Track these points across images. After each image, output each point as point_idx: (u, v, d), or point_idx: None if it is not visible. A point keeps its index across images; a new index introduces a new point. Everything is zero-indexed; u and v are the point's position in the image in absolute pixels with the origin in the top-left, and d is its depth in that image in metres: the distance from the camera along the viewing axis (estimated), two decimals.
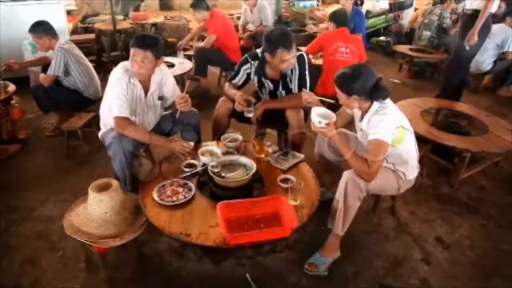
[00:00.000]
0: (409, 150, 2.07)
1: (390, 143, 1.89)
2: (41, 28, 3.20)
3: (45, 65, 3.52)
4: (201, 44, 4.46)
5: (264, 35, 2.46)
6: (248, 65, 2.65)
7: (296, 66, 2.53)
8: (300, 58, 2.53)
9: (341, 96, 1.99)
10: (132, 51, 2.20)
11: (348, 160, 1.95)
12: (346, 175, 1.96)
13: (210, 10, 4.40)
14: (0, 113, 3.27)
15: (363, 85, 1.91)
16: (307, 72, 2.56)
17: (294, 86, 2.57)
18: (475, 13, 3.56)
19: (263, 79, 2.66)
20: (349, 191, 1.95)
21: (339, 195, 1.98)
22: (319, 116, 1.97)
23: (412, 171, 2.13)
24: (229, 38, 4.48)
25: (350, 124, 2.36)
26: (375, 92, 1.93)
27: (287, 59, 2.41)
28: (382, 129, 1.88)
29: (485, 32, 3.66)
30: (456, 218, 2.56)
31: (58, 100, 3.30)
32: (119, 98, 2.20)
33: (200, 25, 4.82)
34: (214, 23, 4.39)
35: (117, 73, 2.25)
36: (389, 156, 2.03)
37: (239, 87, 2.71)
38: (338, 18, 3.73)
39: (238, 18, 6.33)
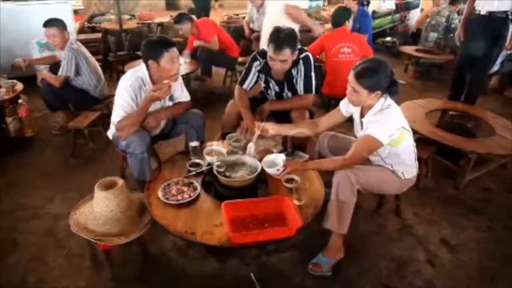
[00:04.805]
0: (408, 151, 2.07)
1: (384, 144, 1.90)
2: (62, 23, 3.23)
3: (52, 64, 3.56)
4: (208, 45, 4.45)
5: None
6: (258, 62, 2.65)
7: (302, 67, 2.53)
8: (305, 59, 2.53)
9: (361, 93, 1.89)
10: (168, 55, 2.18)
11: (319, 169, 2.10)
12: (337, 172, 1.98)
13: (193, 21, 4.40)
14: (8, 111, 3.31)
15: (385, 79, 1.88)
16: (312, 74, 2.56)
17: (300, 86, 2.58)
18: (505, 15, 3.44)
19: (268, 78, 2.67)
20: (340, 186, 1.95)
21: (332, 192, 2.00)
22: (270, 166, 1.99)
23: (410, 170, 2.12)
24: (224, 37, 4.54)
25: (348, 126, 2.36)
26: (392, 87, 1.92)
27: (273, 59, 2.40)
28: (381, 129, 1.88)
29: (508, 33, 3.61)
30: (461, 220, 2.55)
31: (66, 99, 3.34)
32: (121, 107, 2.23)
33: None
34: (205, 30, 4.39)
35: (126, 82, 2.26)
36: (387, 157, 2.04)
37: (250, 89, 2.73)
38: (336, 18, 3.73)
39: (244, 18, 6.34)
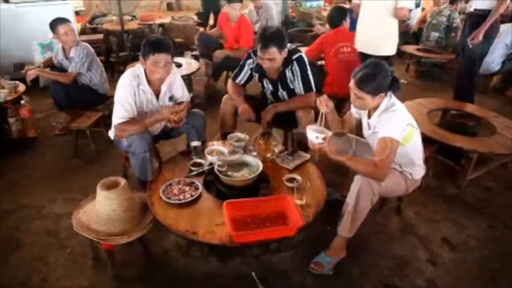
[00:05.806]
0: (417, 150, 2.07)
1: (400, 140, 1.89)
2: (70, 21, 3.26)
3: (51, 66, 3.58)
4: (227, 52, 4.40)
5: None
6: (251, 60, 2.68)
7: (297, 68, 2.55)
8: (298, 60, 2.55)
9: (364, 98, 1.91)
10: (153, 58, 2.17)
11: (350, 166, 1.94)
12: (360, 178, 1.94)
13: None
14: (10, 112, 3.32)
15: (386, 80, 1.89)
16: (309, 72, 2.58)
17: (299, 87, 2.59)
18: (488, 14, 3.48)
19: (262, 77, 2.70)
20: (362, 194, 1.92)
21: (350, 198, 1.97)
22: (315, 131, 1.94)
23: (418, 171, 2.12)
24: (251, 46, 4.41)
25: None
26: (394, 84, 1.93)
27: (261, 57, 2.43)
28: (393, 127, 1.88)
29: (494, 32, 3.62)
30: (462, 219, 2.55)
31: (75, 97, 3.34)
32: (122, 106, 2.24)
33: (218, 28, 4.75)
34: (246, 30, 4.31)
35: (125, 80, 2.27)
36: (396, 157, 2.01)
37: (243, 85, 2.76)
38: (332, 19, 3.72)
39: None
